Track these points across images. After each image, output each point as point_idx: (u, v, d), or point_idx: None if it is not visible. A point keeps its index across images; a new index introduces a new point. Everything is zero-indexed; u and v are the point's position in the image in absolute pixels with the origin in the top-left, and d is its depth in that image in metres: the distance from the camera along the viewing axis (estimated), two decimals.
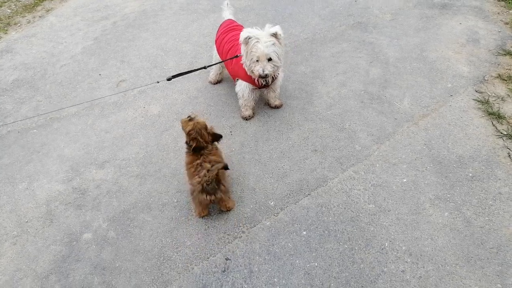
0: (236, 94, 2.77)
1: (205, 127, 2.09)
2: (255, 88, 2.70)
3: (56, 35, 4.25)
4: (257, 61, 2.40)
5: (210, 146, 2.10)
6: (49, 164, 2.61)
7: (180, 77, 2.46)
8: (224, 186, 2.03)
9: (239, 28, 2.83)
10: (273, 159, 2.51)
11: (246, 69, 2.52)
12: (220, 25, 2.97)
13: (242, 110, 2.86)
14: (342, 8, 4.16)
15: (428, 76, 3.13)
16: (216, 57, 3.01)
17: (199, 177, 1.96)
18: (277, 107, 2.95)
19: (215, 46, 2.96)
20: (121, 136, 2.80)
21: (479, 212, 2.07)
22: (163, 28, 4.17)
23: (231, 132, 2.75)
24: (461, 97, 2.88)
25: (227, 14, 3.05)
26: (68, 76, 3.52)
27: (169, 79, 2.00)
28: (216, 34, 2.95)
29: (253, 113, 2.90)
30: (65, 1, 5.09)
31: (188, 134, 2.06)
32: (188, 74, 2.47)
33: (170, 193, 2.34)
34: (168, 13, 4.49)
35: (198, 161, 2.03)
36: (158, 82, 2.20)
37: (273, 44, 2.36)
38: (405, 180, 2.28)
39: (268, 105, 2.98)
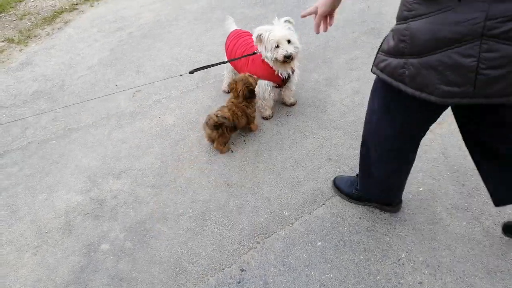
0: None
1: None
2: (275, 86, 2.76)
3: (73, 46, 4.36)
4: (277, 47, 2.49)
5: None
6: (68, 174, 2.67)
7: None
8: (222, 130, 2.56)
9: (248, 33, 2.87)
10: (287, 168, 2.51)
11: (269, 61, 2.60)
12: (227, 36, 3.00)
13: (262, 111, 2.92)
14: (355, 15, 4.14)
15: None
16: (229, 67, 3.05)
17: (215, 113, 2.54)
18: (292, 105, 3.02)
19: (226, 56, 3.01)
20: (137, 146, 2.84)
21: (498, 222, 2.03)
22: (177, 38, 4.23)
23: (244, 141, 2.77)
24: None
25: (233, 26, 3.09)
26: (85, 87, 3.61)
27: (191, 72, 2.08)
28: (226, 45, 2.99)
29: (273, 113, 2.97)
30: (82, 13, 5.22)
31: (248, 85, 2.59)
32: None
33: (185, 203, 2.36)
34: (182, 22, 4.55)
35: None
36: (181, 75, 2.32)
37: (288, 28, 2.50)
38: (421, 189, 2.25)
39: (283, 103, 3.04)
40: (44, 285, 2.01)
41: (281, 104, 3.06)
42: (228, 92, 3.27)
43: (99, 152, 2.83)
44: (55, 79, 3.79)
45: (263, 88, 2.74)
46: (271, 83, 2.73)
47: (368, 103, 1.67)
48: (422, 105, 1.32)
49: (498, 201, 1.71)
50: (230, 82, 2.69)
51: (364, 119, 1.78)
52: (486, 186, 1.71)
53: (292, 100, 2.99)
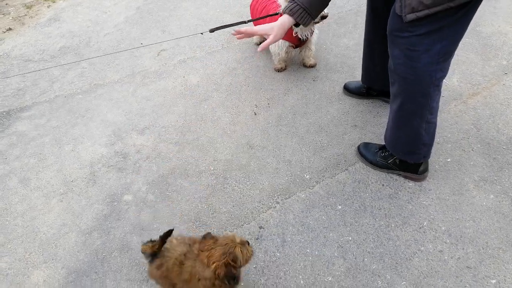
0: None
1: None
2: (291, 46, 2.70)
3: (100, 4, 4.33)
4: None
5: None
6: (93, 128, 2.72)
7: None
8: None
9: None
10: (310, 133, 2.47)
11: None
12: None
13: (275, 62, 2.92)
14: None
15: (481, 53, 2.93)
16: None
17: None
18: (312, 66, 2.96)
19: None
20: (161, 104, 2.85)
21: None
22: None
23: (268, 104, 2.73)
24: None
25: None
26: (111, 45, 3.60)
27: (211, 31, 2.00)
28: (251, 5, 2.98)
29: (286, 66, 2.96)
30: None
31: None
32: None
33: (207, 161, 2.37)
34: None
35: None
36: (202, 34, 2.24)
37: None
38: (449, 160, 2.18)
39: (303, 65, 2.99)
40: (69, 230, 2.09)
41: (302, 65, 3.01)
42: (259, 43, 3.23)
43: (123, 108, 2.85)
44: (82, 35, 3.79)
45: (279, 46, 2.72)
46: (287, 43, 2.69)
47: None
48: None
49: None
50: (207, 235, 1.41)
51: None
52: None
53: (312, 62, 2.93)
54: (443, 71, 1.66)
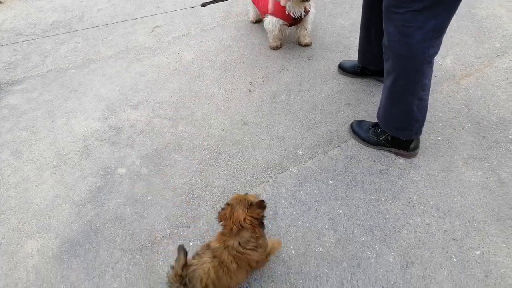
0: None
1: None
2: (285, 24, 2.70)
3: None
4: None
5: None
6: (86, 102, 2.70)
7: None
8: None
9: None
10: (304, 110, 2.49)
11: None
12: None
13: (271, 41, 2.93)
14: None
15: (475, 35, 2.94)
16: (251, 4, 2.98)
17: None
18: (307, 45, 2.97)
19: None
20: (155, 80, 2.84)
21: None
22: None
23: (263, 82, 2.73)
24: (509, 58, 2.71)
25: None
26: (104, 20, 3.55)
27: (203, 5, 1.97)
28: None
29: (281, 44, 2.97)
30: None
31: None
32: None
33: (201, 136, 2.38)
34: None
35: (212, 244, 1.47)
36: (193, 8, 2.20)
37: None
38: (439, 138, 2.22)
39: (298, 43, 3.00)
40: (63, 201, 2.09)
41: (297, 44, 3.01)
42: (255, 22, 3.23)
43: (117, 83, 2.83)
44: (75, 10, 3.73)
45: (273, 24, 2.73)
46: (281, 21, 2.70)
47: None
48: None
49: None
50: (221, 210, 1.47)
51: None
52: None
53: (307, 40, 2.93)
54: (435, 48, 1.69)
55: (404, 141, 2.07)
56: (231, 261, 1.40)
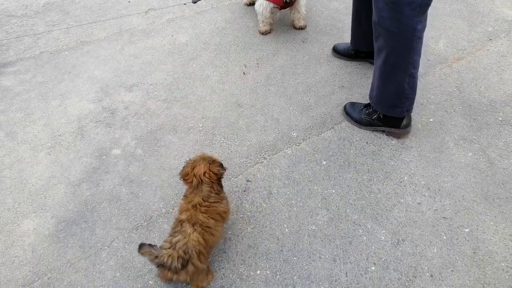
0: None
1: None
2: (276, 7, 2.70)
3: None
4: None
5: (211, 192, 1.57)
6: (80, 84, 2.69)
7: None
8: (195, 266, 1.44)
9: None
10: (298, 93, 2.50)
11: None
12: None
13: (260, 25, 2.91)
14: None
15: (468, 19, 2.96)
16: None
17: (165, 248, 1.43)
18: (301, 28, 2.97)
19: None
20: (149, 62, 2.82)
21: (504, 155, 2.05)
22: None
23: (257, 64, 2.73)
24: (501, 42, 2.73)
25: None
26: (97, 2, 3.51)
27: (194, 2, 1.95)
28: None
29: (271, 29, 2.96)
30: None
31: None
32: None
33: (195, 118, 2.39)
34: None
35: (182, 217, 1.52)
36: (185, 4, 2.18)
37: None
38: (431, 120, 2.25)
39: (292, 26, 2.99)
40: (58, 181, 2.10)
41: (291, 27, 3.00)
42: (249, 5, 3.20)
43: (111, 65, 2.82)
44: None
45: (263, 7, 2.72)
46: (272, 4, 2.69)
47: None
48: None
49: None
50: (183, 169, 1.60)
51: None
52: None
53: (301, 23, 2.93)
54: (423, 23, 1.75)
55: (396, 119, 2.10)
56: (207, 218, 1.51)
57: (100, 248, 1.80)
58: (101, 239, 1.83)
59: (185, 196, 1.61)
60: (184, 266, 1.39)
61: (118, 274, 1.70)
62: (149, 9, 3.37)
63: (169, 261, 1.38)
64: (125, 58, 2.87)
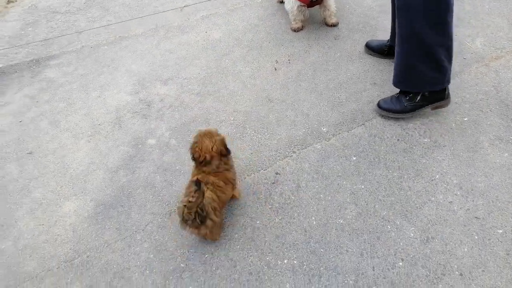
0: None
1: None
2: (303, 5, 2.76)
3: None
4: None
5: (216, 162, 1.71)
6: (118, 77, 2.81)
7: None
8: (213, 221, 1.61)
9: None
10: (329, 89, 2.51)
11: None
12: None
13: (292, 22, 2.96)
14: None
15: (508, 17, 2.86)
16: None
17: (183, 202, 1.56)
18: (333, 25, 2.98)
19: None
20: (183, 57, 2.92)
21: None
22: None
23: (289, 60, 2.76)
24: None
25: None
26: None
27: None
28: None
29: (303, 26, 2.99)
30: None
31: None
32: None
33: (227, 112, 2.45)
34: None
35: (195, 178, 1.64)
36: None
37: None
38: (465, 119, 2.21)
39: (325, 23, 3.01)
40: (97, 167, 2.22)
41: (323, 24, 3.02)
42: (282, 2, 3.23)
43: (147, 60, 2.93)
44: None
45: (291, 4, 2.78)
46: (298, 2, 2.74)
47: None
48: None
49: None
50: (191, 147, 1.73)
51: None
52: None
53: (333, 21, 2.94)
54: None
55: (440, 92, 2.13)
56: (218, 180, 1.69)
57: (135, 231, 1.89)
58: (136, 222, 1.92)
59: (195, 166, 1.77)
60: (203, 222, 1.55)
61: (151, 255, 1.78)
62: (184, 6, 3.47)
63: (190, 218, 1.52)
64: (161, 53, 2.97)
